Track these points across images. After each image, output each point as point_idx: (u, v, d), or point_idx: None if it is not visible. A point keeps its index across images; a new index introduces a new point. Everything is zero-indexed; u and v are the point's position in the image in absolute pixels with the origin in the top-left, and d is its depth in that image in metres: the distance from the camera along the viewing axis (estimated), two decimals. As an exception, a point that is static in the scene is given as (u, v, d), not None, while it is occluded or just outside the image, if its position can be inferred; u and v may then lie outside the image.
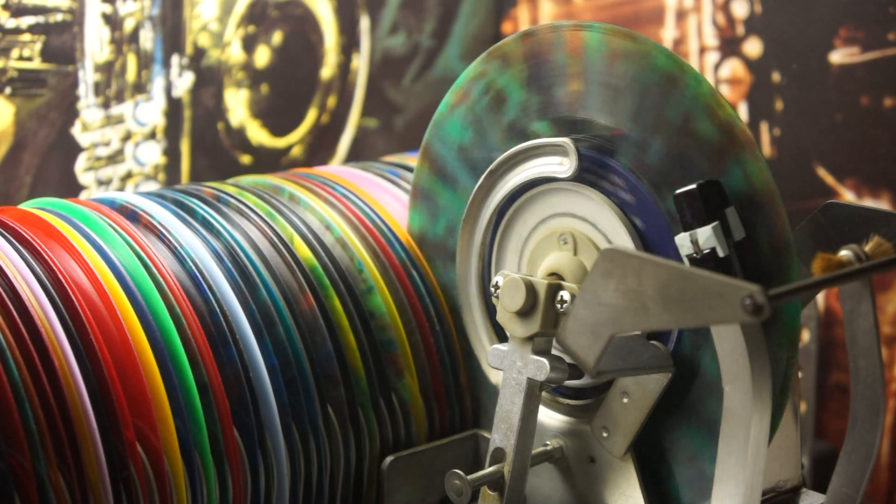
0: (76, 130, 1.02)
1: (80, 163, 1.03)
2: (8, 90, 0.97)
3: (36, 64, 0.98)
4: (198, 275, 0.75)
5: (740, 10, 1.11)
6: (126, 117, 1.05)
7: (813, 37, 1.07)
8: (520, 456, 0.74)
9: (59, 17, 0.99)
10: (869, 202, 1.06)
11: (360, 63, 1.21)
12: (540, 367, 0.73)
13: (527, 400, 0.73)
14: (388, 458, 0.79)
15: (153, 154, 1.07)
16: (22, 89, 0.97)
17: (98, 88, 1.02)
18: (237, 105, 1.12)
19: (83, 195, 1.03)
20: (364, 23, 1.21)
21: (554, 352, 0.74)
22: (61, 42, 0.99)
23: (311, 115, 1.19)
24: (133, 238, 0.75)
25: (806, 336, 1.08)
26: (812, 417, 1.10)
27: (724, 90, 1.12)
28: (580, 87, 0.75)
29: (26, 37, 0.97)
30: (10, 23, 0.96)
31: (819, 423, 1.12)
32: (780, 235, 0.69)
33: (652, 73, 0.71)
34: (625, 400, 0.74)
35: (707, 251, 0.69)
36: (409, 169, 0.92)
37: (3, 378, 0.64)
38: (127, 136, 1.05)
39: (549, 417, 0.79)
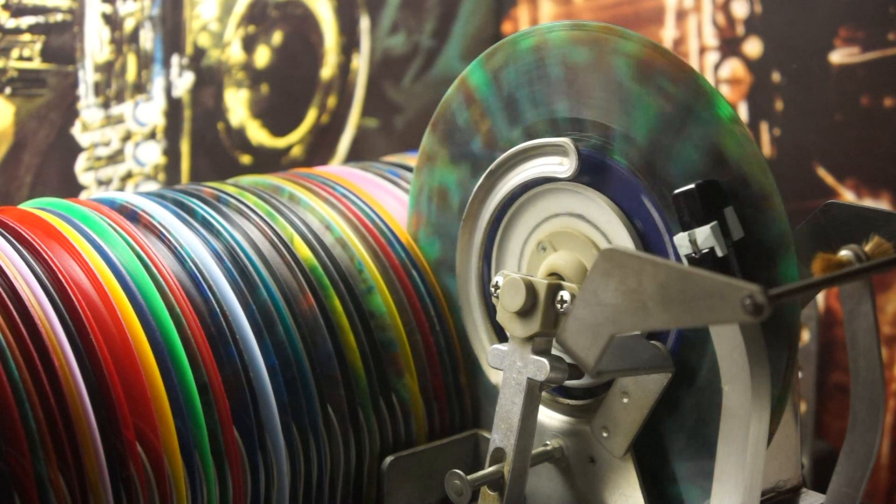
0: (76, 130, 1.02)
1: (80, 163, 1.03)
2: (8, 90, 0.97)
3: (36, 64, 0.98)
4: (198, 275, 0.75)
5: (740, 10, 1.11)
6: (126, 117, 1.05)
7: (813, 37, 1.07)
8: (520, 456, 0.74)
9: (59, 17, 0.99)
10: (869, 202, 1.06)
11: (360, 63, 1.21)
12: (540, 367, 0.72)
13: (527, 400, 0.73)
14: (388, 458, 0.79)
15: (153, 154, 1.07)
16: (22, 89, 0.97)
17: (98, 88, 1.02)
18: (237, 105, 1.12)
19: (83, 195, 1.03)
20: (364, 23, 1.21)
21: (554, 352, 0.74)
22: (61, 42, 0.99)
23: (311, 115, 1.19)
24: (133, 238, 0.75)
25: (806, 336, 1.08)
26: (812, 417, 1.10)
27: (724, 90, 1.12)
28: (488, 123, 0.79)
29: (26, 37, 0.97)
30: (10, 23, 0.96)
31: (819, 423, 1.11)
32: (779, 234, 0.69)
33: (523, 55, 0.76)
34: (625, 400, 0.74)
35: (705, 251, 0.69)
36: (409, 169, 0.92)
37: (3, 378, 0.64)
38: (127, 136, 1.05)
39: (549, 417, 0.79)
